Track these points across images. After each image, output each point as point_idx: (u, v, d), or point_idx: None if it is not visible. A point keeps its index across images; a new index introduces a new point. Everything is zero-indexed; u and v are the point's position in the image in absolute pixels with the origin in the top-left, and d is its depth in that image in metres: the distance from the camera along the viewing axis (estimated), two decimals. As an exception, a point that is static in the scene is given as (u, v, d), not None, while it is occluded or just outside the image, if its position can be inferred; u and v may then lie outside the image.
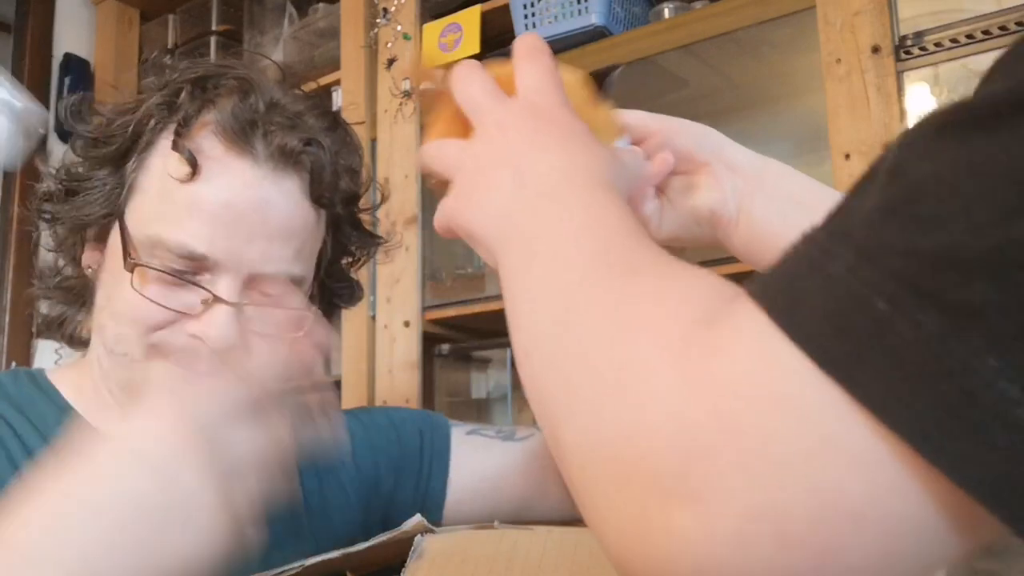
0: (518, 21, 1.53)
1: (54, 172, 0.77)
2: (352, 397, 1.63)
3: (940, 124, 0.28)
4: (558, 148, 0.45)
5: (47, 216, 0.78)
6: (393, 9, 1.70)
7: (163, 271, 0.71)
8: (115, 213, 0.74)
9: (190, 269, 0.71)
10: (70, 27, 2.22)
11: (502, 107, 0.49)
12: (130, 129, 0.74)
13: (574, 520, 0.47)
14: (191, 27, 2.12)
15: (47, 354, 2.03)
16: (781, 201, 0.60)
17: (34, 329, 2.03)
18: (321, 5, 1.92)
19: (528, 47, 0.52)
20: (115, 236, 0.74)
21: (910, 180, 0.27)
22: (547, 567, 0.58)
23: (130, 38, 2.21)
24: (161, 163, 0.73)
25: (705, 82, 1.42)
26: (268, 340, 0.76)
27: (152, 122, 0.74)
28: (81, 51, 2.20)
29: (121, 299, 0.72)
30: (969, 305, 0.25)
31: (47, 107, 2.16)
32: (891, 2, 1.20)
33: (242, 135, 0.72)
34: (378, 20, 1.72)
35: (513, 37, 1.55)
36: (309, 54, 1.90)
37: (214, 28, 2.06)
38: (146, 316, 0.72)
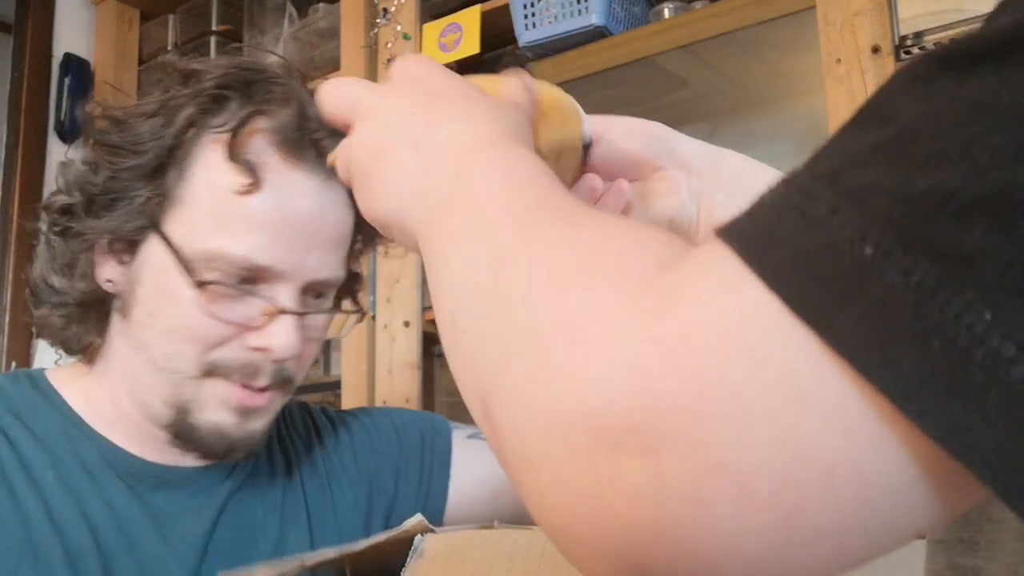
0: (518, 21, 1.53)
1: (76, 181, 0.74)
2: (352, 397, 1.63)
3: (937, 63, 0.25)
4: (455, 113, 0.42)
5: (59, 229, 0.75)
6: (393, 9, 1.70)
7: (229, 286, 0.70)
8: (150, 226, 0.72)
9: (247, 281, 0.71)
10: (70, 27, 2.22)
11: (382, 91, 0.46)
12: (167, 139, 0.71)
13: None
14: (191, 27, 2.12)
15: (47, 354, 2.02)
16: (742, 199, 0.57)
17: (34, 329, 2.03)
18: (321, 5, 1.92)
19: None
20: (152, 250, 0.72)
21: (903, 121, 0.25)
22: (547, 567, 0.58)
23: (130, 38, 2.22)
24: (207, 174, 0.71)
25: (705, 82, 1.42)
26: (314, 344, 0.77)
27: (192, 131, 0.72)
28: (81, 51, 2.20)
29: (175, 316, 0.71)
30: (964, 253, 0.22)
31: (47, 107, 2.16)
32: (891, 2, 1.20)
33: (297, 145, 0.71)
34: (378, 20, 1.72)
35: (513, 37, 1.56)
36: (309, 54, 1.90)
37: (214, 28, 2.07)
38: (208, 333, 0.71)
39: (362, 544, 0.60)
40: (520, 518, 0.74)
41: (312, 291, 0.75)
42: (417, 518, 0.60)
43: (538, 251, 0.32)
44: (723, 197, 0.57)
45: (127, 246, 0.74)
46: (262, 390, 0.73)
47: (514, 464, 0.30)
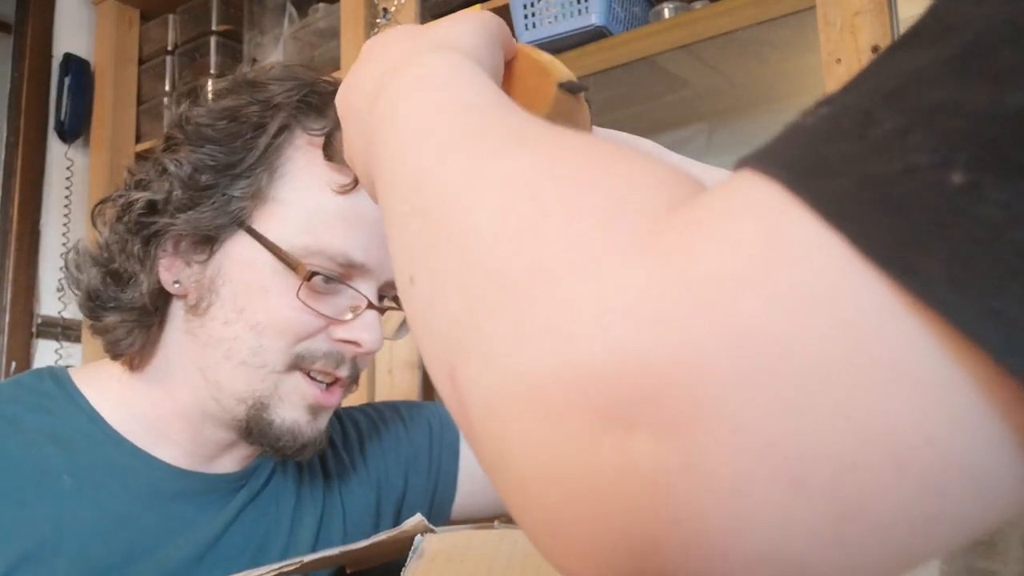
0: (518, 21, 1.53)
1: (167, 179, 0.74)
2: (352, 397, 1.62)
3: None
4: (384, 49, 0.39)
5: (138, 227, 0.74)
6: (393, 9, 1.70)
7: (334, 278, 0.72)
8: (237, 223, 0.73)
9: (338, 277, 0.73)
10: (70, 27, 2.22)
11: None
12: (263, 139, 0.73)
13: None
14: (191, 27, 2.12)
15: (47, 354, 2.02)
16: None
17: (34, 329, 2.03)
18: (321, 5, 1.91)
19: None
20: (238, 246, 0.73)
21: (975, 30, 0.21)
22: (547, 567, 0.58)
23: (130, 38, 2.21)
24: (303, 174, 0.74)
25: (705, 82, 1.42)
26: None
27: (285, 133, 0.74)
28: (81, 51, 2.20)
29: (268, 311, 0.72)
30: None
31: (47, 107, 2.16)
32: (891, 2, 1.20)
33: None
34: (378, 20, 1.72)
35: (513, 37, 1.55)
36: (309, 54, 1.90)
37: (214, 28, 2.06)
38: (303, 325, 0.73)
39: (362, 544, 0.60)
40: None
41: (380, 291, 0.78)
42: (417, 518, 0.61)
43: (495, 184, 0.26)
44: None
45: (199, 245, 0.74)
46: (335, 383, 0.76)
47: (485, 446, 0.24)
